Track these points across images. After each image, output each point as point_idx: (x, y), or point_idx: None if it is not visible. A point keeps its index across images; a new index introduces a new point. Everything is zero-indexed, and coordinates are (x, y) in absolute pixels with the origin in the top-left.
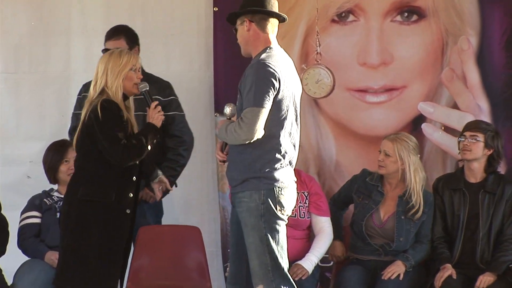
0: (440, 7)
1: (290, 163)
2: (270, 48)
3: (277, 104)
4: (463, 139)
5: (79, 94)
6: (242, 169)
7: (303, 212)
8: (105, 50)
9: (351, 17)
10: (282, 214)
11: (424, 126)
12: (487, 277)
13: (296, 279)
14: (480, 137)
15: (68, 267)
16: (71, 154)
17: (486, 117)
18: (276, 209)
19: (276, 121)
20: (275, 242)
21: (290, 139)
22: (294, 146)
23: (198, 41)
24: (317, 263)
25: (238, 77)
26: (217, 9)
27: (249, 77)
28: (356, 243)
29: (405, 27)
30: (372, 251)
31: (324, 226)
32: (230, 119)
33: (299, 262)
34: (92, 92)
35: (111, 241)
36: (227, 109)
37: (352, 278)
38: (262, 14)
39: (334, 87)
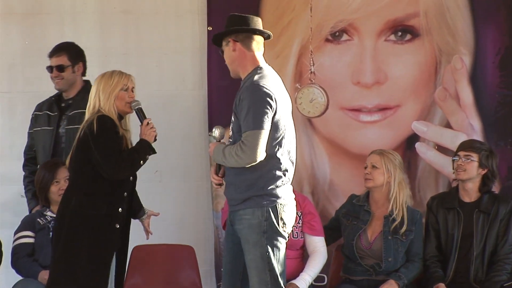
0: (433, 26)
1: (289, 179)
2: (260, 68)
3: (274, 124)
4: (457, 158)
5: (33, 113)
6: (244, 189)
7: (296, 232)
8: (49, 68)
9: (345, 36)
10: (284, 231)
11: (417, 145)
12: None
13: None
14: (474, 156)
15: (58, 277)
16: (62, 175)
17: (478, 136)
18: (279, 225)
19: (275, 140)
20: (276, 259)
21: (289, 156)
22: (293, 163)
23: (192, 60)
24: (311, 283)
25: (232, 96)
26: (211, 28)
27: (245, 100)
28: (347, 263)
29: (399, 46)
30: (363, 272)
31: (318, 245)
32: (219, 141)
33: (294, 281)
34: (87, 115)
35: (99, 254)
36: (216, 132)
37: None
38: (246, 32)
39: (328, 106)
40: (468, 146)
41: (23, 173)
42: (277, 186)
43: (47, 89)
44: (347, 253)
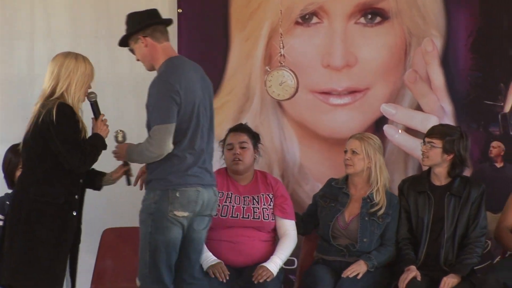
0: (403, 9)
1: (190, 167)
2: (169, 59)
3: (181, 116)
4: (423, 144)
5: None
6: (149, 172)
7: (267, 214)
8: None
9: (314, 19)
10: (175, 215)
11: (386, 127)
12: (451, 278)
13: (261, 281)
14: (437, 143)
15: (20, 269)
16: None
17: (450, 119)
18: (168, 209)
19: (178, 131)
20: (161, 242)
21: (194, 145)
22: (203, 151)
23: None
24: (282, 266)
25: (205, 63)
26: (181, 10)
27: (151, 96)
28: (322, 243)
29: (369, 29)
30: (337, 252)
31: (288, 229)
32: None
33: (264, 264)
34: (48, 91)
35: (60, 243)
36: (119, 136)
37: (319, 275)
38: (152, 25)
39: (298, 89)
40: (432, 132)
41: None
42: (171, 172)
43: (17, 73)
44: (321, 233)
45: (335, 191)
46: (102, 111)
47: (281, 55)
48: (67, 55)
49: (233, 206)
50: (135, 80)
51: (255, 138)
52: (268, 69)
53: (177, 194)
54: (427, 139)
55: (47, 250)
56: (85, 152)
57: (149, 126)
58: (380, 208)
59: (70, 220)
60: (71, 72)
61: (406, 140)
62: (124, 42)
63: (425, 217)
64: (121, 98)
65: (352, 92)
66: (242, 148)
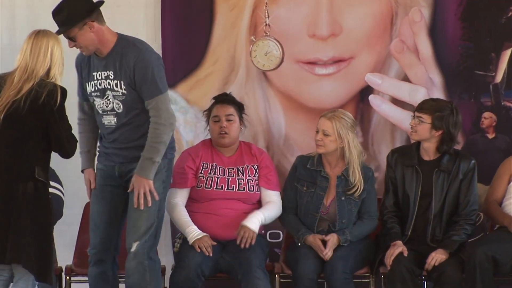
0: None
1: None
2: (121, 35)
3: None
4: (412, 118)
5: None
6: None
7: (252, 186)
8: None
9: None
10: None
11: (371, 97)
12: (439, 254)
13: (247, 246)
14: (426, 118)
15: (31, 247)
16: None
17: (439, 90)
18: None
19: None
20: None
21: None
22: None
23: (145, 12)
24: (266, 240)
25: (188, 48)
26: None
27: (148, 69)
28: None
29: None
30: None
31: (273, 198)
32: None
33: (244, 222)
34: (42, 72)
35: (51, 225)
36: None
37: (303, 252)
38: (96, 9)
39: (283, 59)
40: (421, 107)
41: None
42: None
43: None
44: (303, 219)
45: (313, 174)
46: None
47: (266, 24)
48: (56, 37)
49: (217, 177)
50: None
51: (241, 109)
52: (254, 39)
53: None
54: (416, 114)
55: (50, 235)
56: (75, 139)
57: (134, 101)
58: (357, 190)
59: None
60: (61, 56)
61: (393, 111)
62: (66, 31)
63: (413, 192)
64: None
65: (337, 61)
66: (229, 121)
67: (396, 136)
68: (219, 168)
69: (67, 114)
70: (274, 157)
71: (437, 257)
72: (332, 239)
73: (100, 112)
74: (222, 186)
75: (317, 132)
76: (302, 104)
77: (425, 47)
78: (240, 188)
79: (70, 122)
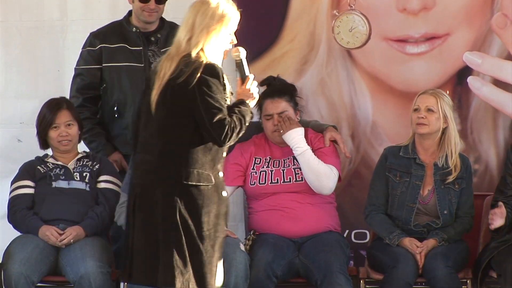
0: None
1: None
2: None
3: None
4: None
5: (84, 46)
6: None
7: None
8: None
9: None
10: None
11: (470, 79)
12: None
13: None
14: None
15: (170, 264)
16: (63, 119)
17: None
18: None
19: None
20: None
21: None
22: None
23: None
24: (349, 240)
25: (262, 24)
26: None
27: None
28: (394, 223)
29: None
30: (414, 231)
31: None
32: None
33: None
34: (186, 47)
35: (216, 231)
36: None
37: (401, 253)
38: None
39: (370, 36)
40: None
41: (21, 114)
42: None
43: (48, 18)
44: (396, 215)
45: (406, 162)
46: None
47: None
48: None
49: (271, 170)
50: None
51: (293, 96)
52: (337, 13)
53: None
54: None
55: (205, 242)
56: (232, 125)
57: None
58: (456, 173)
59: (223, 203)
60: (209, 21)
61: (495, 94)
62: None
63: None
64: None
65: (430, 38)
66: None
67: (499, 122)
68: (273, 161)
69: None
70: (360, 147)
71: None
72: (428, 243)
73: None
74: (277, 179)
75: (416, 110)
76: (391, 87)
77: None
78: (298, 179)
79: None
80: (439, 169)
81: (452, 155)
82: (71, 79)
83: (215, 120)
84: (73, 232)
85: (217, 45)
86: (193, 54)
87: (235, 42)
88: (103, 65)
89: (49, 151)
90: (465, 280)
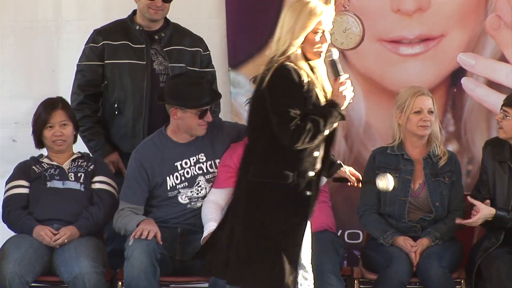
0: None
1: None
2: None
3: None
4: (499, 113)
5: (87, 43)
6: None
7: None
8: None
9: None
10: None
11: (464, 80)
12: None
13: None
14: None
15: (239, 261)
16: (58, 118)
17: None
18: None
19: None
20: None
21: None
22: None
23: None
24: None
25: (255, 24)
26: None
27: None
28: (386, 220)
29: None
30: (407, 229)
31: None
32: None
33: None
34: (275, 48)
35: (288, 232)
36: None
37: (395, 252)
38: None
39: (364, 37)
40: (509, 101)
41: (15, 114)
42: None
43: (42, 18)
44: (389, 211)
45: (394, 159)
46: None
47: None
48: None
49: None
50: None
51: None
52: None
53: None
54: (503, 108)
55: (271, 242)
56: (301, 127)
57: None
58: (444, 163)
59: (303, 202)
60: (296, 20)
61: (488, 95)
62: None
63: (505, 191)
64: None
65: (424, 40)
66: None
67: (492, 124)
68: None
69: None
70: (353, 147)
71: None
72: (422, 242)
73: None
74: None
75: (418, 112)
76: (385, 88)
77: None
78: None
79: None
80: (428, 164)
81: (439, 146)
82: (65, 79)
83: (279, 123)
84: (67, 232)
85: (305, 45)
86: (278, 54)
87: (329, 41)
88: (105, 61)
89: (44, 151)
90: (459, 280)
